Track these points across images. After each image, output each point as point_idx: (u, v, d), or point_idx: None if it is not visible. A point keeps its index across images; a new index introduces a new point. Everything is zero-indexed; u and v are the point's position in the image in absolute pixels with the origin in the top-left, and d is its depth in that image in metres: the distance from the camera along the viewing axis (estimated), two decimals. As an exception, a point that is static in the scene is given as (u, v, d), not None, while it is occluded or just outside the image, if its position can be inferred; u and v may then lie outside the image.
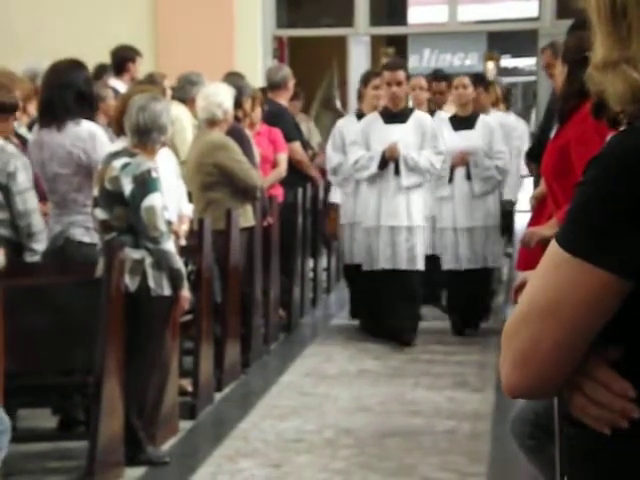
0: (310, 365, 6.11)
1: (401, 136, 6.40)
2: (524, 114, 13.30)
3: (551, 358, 1.25)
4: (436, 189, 6.77)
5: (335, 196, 7.25)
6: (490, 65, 11.96)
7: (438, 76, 7.64)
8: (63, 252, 4.66)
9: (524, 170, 8.20)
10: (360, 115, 6.86)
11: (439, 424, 4.93)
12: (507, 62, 17.47)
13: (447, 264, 6.75)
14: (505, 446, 3.50)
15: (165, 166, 4.87)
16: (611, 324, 1.25)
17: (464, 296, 6.73)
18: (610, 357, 1.28)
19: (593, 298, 1.23)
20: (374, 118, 6.54)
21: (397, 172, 6.42)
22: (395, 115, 6.47)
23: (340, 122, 7.07)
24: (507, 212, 7.08)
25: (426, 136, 6.44)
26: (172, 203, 4.77)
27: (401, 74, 6.42)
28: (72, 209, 4.74)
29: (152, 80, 6.07)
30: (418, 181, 6.45)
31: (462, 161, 6.64)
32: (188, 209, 5.27)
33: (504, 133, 6.97)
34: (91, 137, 4.69)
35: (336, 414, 5.10)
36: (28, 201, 4.43)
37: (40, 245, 4.47)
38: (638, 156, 1.21)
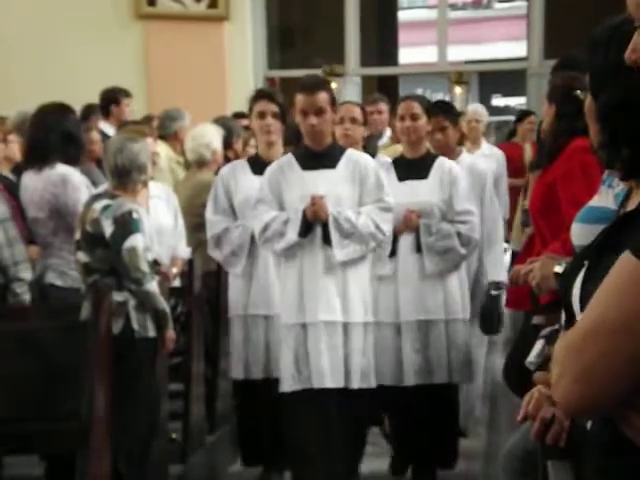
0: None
1: (329, 187, 4.21)
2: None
3: (622, 373, 1.23)
4: (371, 265, 4.38)
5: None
6: (458, 90, 9.20)
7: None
8: (40, 296, 4.62)
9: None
10: (256, 162, 4.63)
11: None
12: (498, 101, 17.62)
13: (385, 378, 4.38)
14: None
15: (158, 206, 4.85)
16: None
17: (414, 426, 4.46)
18: None
19: None
20: (287, 163, 4.29)
21: (327, 240, 4.17)
22: (318, 157, 4.24)
23: (224, 171, 4.70)
24: (491, 298, 4.85)
25: (366, 185, 4.24)
26: (164, 244, 4.74)
27: (323, 97, 4.18)
28: (49, 252, 4.71)
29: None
30: (358, 252, 4.18)
31: (409, 225, 4.44)
32: (184, 252, 5.22)
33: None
34: (63, 181, 4.66)
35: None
36: (9, 230, 4.35)
37: (27, 274, 4.38)
38: None
